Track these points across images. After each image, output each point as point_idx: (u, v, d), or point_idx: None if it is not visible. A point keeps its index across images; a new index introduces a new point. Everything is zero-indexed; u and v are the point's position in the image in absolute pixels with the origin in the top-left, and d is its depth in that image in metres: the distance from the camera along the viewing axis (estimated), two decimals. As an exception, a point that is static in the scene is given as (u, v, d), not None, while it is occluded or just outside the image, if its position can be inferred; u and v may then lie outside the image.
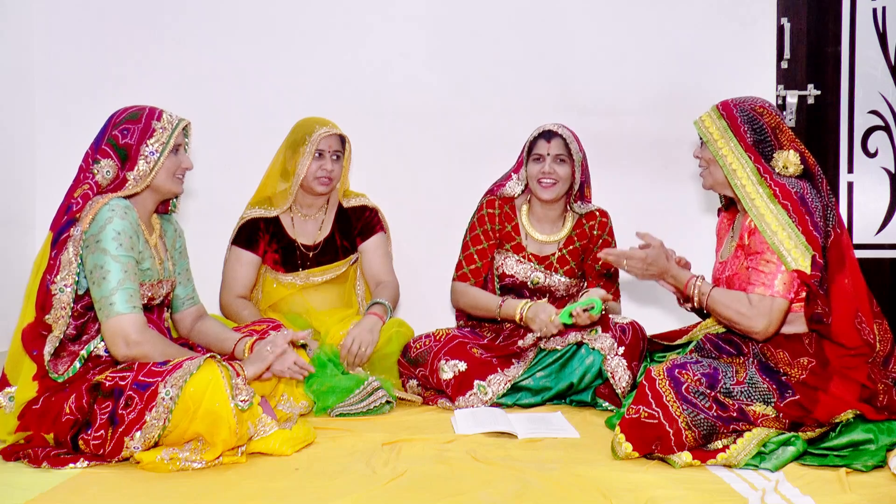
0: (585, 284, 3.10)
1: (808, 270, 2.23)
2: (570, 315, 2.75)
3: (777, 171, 2.35)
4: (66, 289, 2.25)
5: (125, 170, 2.33)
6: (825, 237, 2.30)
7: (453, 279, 3.11)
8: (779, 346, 2.33)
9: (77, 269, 2.26)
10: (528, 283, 3.05)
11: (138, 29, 3.65)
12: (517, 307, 2.89)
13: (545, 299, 3.00)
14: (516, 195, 3.09)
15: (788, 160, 2.34)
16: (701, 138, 2.47)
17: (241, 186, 3.32)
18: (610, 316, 2.90)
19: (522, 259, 3.06)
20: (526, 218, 3.09)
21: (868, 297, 2.33)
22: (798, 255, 2.24)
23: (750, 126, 2.37)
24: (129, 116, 2.37)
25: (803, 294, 2.29)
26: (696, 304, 2.44)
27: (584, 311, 2.75)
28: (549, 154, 2.95)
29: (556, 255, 3.05)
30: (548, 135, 2.96)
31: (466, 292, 3.06)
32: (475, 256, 3.07)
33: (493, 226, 3.07)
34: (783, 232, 2.26)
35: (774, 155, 2.35)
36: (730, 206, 2.61)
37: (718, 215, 2.67)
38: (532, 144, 2.98)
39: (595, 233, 3.06)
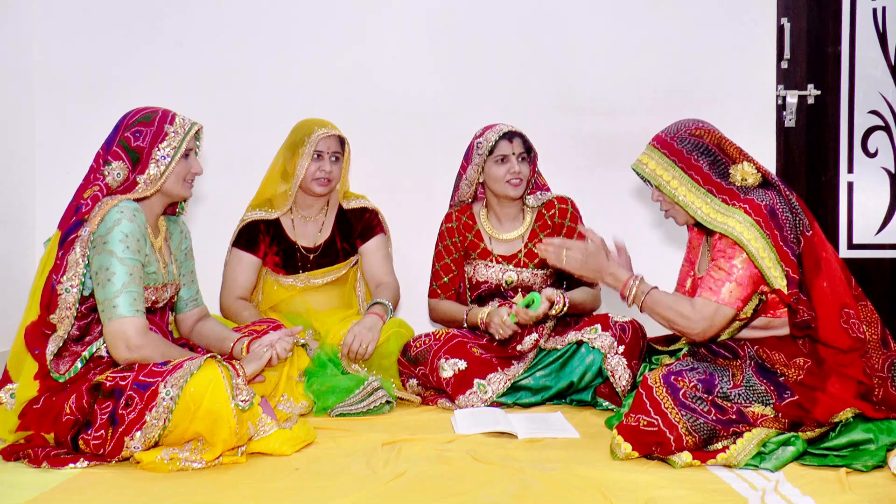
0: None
1: (785, 290, 2.21)
2: (515, 315, 2.85)
3: (737, 185, 2.30)
4: (73, 289, 2.25)
5: (136, 173, 2.33)
6: (797, 244, 2.27)
7: (427, 297, 3.20)
8: (774, 348, 2.33)
9: (83, 270, 2.26)
10: (503, 285, 3.08)
11: (139, 30, 3.65)
12: (479, 315, 2.99)
13: (535, 291, 3.02)
14: (469, 200, 3.16)
15: (746, 172, 2.30)
16: (649, 182, 2.39)
17: (244, 188, 3.32)
18: (609, 315, 2.91)
19: (491, 263, 3.09)
20: (486, 222, 3.14)
21: (847, 284, 2.30)
22: (778, 273, 2.21)
23: (699, 152, 2.31)
24: (142, 118, 2.36)
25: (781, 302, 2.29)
26: (630, 303, 2.38)
27: (526, 308, 2.82)
28: (514, 154, 3.00)
29: (524, 251, 3.08)
30: (510, 135, 3.01)
31: (437, 308, 3.18)
32: (441, 273, 3.16)
33: (453, 239, 3.14)
34: (763, 249, 2.22)
35: (730, 171, 2.31)
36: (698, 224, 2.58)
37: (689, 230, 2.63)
38: (494, 146, 3.00)
39: (557, 221, 3.08)
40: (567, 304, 2.88)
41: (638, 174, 2.42)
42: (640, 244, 3.66)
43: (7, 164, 3.50)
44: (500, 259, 3.10)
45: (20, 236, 3.55)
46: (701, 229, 2.53)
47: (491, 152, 3.01)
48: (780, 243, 2.22)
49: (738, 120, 3.42)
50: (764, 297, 2.31)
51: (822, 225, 2.40)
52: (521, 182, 3.01)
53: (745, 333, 2.38)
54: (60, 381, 2.26)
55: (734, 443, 2.18)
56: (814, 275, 2.26)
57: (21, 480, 2.09)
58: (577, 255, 2.43)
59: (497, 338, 2.93)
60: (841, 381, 2.22)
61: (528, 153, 3.04)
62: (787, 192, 2.33)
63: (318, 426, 2.52)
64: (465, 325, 3.05)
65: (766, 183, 2.33)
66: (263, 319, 2.87)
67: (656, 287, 2.38)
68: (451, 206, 3.22)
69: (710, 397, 2.22)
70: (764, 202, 2.26)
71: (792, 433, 2.21)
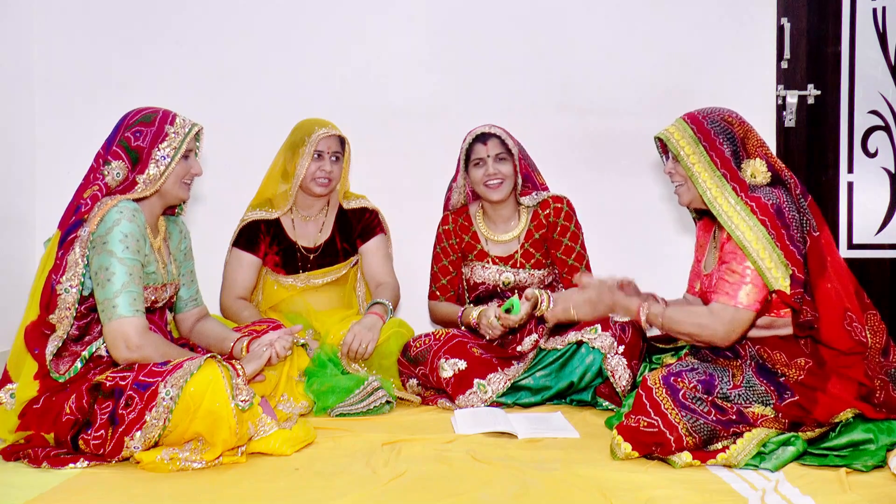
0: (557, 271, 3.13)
1: (788, 290, 2.20)
2: (499, 319, 2.88)
3: (747, 181, 2.31)
4: (72, 289, 2.25)
5: (135, 172, 2.33)
6: (803, 244, 2.27)
7: (427, 299, 3.21)
8: (775, 348, 2.32)
9: (83, 270, 2.26)
10: (501, 285, 3.09)
11: (139, 30, 3.65)
12: (471, 315, 3.00)
13: (515, 296, 3.03)
14: (462, 204, 3.17)
15: (756, 169, 2.30)
16: (670, 153, 2.42)
17: (244, 188, 3.32)
18: (609, 315, 2.90)
19: (488, 264, 3.10)
20: (482, 223, 3.14)
21: (856, 292, 2.31)
22: (779, 274, 2.20)
23: (724, 136, 2.33)
24: (143, 119, 2.36)
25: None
26: (647, 327, 2.38)
27: (507, 313, 2.84)
28: (489, 156, 3.00)
29: (520, 252, 3.09)
30: (483, 137, 3.01)
31: (435, 309, 3.20)
32: (439, 275, 3.18)
33: (450, 241, 3.16)
34: (764, 251, 2.21)
35: (742, 165, 2.32)
36: (703, 215, 2.58)
37: (696, 223, 2.64)
38: (469, 150, 3.01)
39: (552, 220, 3.08)
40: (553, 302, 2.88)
41: (662, 143, 2.45)
42: (639, 243, 3.68)
43: (7, 164, 3.50)
44: (497, 260, 3.10)
45: (20, 236, 3.55)
46: (707, 220, 2.54)
47: (469, 156, 3.01)
48: (787, 242, 2.22)
49: (738, 120, 3.42)
50: (769, 297, 2.30)
51: (824, 225, 2.39)
52: (502, 182, 3.00)
53: (748, 332, 2.38)
54: (60, 380, 2.26)
55: (734, 443, 2.18)
56: (819, 276, 2.26)
57: (21, 480, 2.09)
58: (584, 307, 2.43)
59: (487, 338, 2.95)
60: (842, 382, 2.22)
61: (509, 153, 3.02)
62: (798, 193, 2.33)
63: (318, 426, 2.52)
64: (461, 326, 3.06)
65: (776, 180, 2.33)
66: (263, 319, 2.87)
67: (669, 306, 2.39)
68: (444, 212, 3.22)
69: (710, 398, 2.22)
70: (770, 201, 2.25)
71: (792, 433, 2.21)
